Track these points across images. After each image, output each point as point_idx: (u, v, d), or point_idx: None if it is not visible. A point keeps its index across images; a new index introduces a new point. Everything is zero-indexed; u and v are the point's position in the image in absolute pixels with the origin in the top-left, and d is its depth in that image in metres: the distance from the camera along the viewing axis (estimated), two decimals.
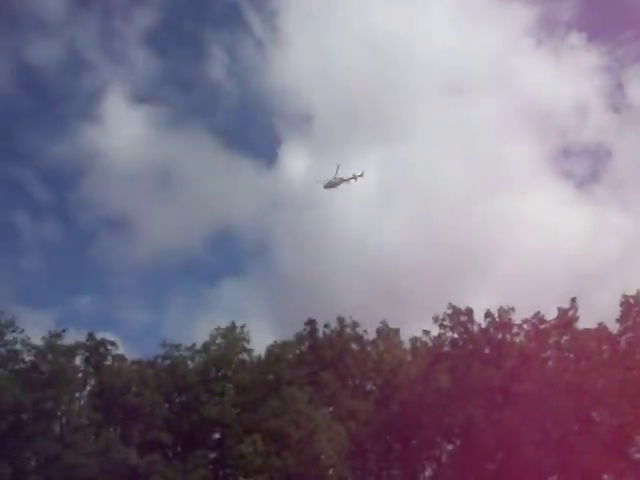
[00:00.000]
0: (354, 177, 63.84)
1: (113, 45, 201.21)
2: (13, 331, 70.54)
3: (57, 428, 69.04)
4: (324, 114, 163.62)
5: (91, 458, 64.13)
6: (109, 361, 73.53)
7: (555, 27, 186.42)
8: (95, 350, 73.17)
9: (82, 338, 73.66)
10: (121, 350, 75.01)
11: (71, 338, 73.82)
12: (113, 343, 74.36)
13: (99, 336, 74.16)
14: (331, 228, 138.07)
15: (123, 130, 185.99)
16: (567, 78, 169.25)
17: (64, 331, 72.81)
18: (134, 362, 74.88)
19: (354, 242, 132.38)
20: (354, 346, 74.98)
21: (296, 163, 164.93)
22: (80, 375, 72.07)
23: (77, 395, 71.95)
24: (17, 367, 70.17)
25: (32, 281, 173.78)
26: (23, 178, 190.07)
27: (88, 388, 72.77)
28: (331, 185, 63.89)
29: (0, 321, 70.34)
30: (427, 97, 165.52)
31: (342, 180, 63.11)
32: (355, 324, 75.19)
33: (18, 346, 70.49)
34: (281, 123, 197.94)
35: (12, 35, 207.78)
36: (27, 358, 70.50)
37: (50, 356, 69.92)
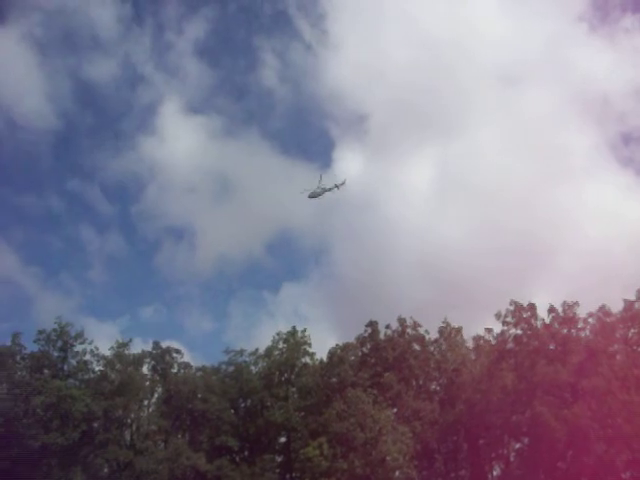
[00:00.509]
0: (336, 186, 64.62)
1: (166, 58, 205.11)
2: (82, 342, 73.09)
3: (127, 435, 70.77)
4: (378, 113, 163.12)
5: (161, 464, 65.45)
6: (175, 369, 75.08)
7: (608, 11, 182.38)
8: (161, 358, 74.75)
9: (148, 347, 75.59)
10: (186, 357, 76.80)
11: (137, 347, 75.87)
12: (178, 351, 76.01)
13: (164, 344, 75.94)
14: (389, 228, 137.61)
15: (180, 141, 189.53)
16: (623, 62, 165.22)
17: (131, 341, 74.92)
18: (199, 369, 76.28)
19: (413, 241, 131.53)
20: (416, 346, 74.49)
21: (351, 164, 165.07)
22: (148, 383, 73.66)
23: (145, 403, 73.57)
24: (87, 377, 72.43)
25: (98, 293, 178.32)
26: (87, 193, 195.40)
27: (156, 395, 74.41)
28: (314, 195, 64.57)
29: (70, 333, 72.84)
30: (482, 90, 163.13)
31: (325, 190, 63.94)
32: (416, 324, 74.72)
33: (88, 357, 73.01)
34: (335, 125, 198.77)
35: (70, 55, 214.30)
36: (97, 368, 72.98)
37: (118, 365, 71.77)
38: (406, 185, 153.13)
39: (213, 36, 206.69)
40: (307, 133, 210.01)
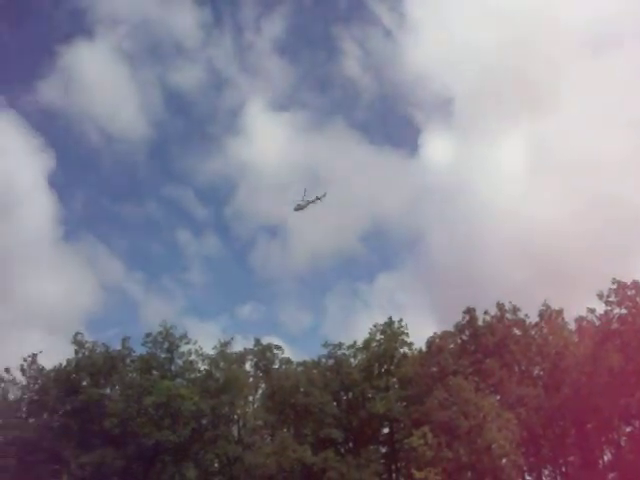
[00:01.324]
0: (318, 198, 67.07)
1: (248, 58, 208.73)
2: (187, 343, 76.45)
3: (235, 431, 73.17)
4: (463, 95, 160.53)
5: (269, 458, 66.96)
6: (276, 365, 76.84)
7: None
8: (262, 355, 76.59)
9: (249, 344, 77.62)
10: (286, 353, 78.16)
11: (239, 345, 78.08)
12: (279, 347, 77.74)
13: (264, 341, 77.69)
14: (482, 212, 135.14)
15: (267, 139, 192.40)
16: None
17: (232, 339, 77.31)
18: (300, 364, 77.60)
19: (507, 223, 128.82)
20: (516, 331, 73.03)
21: (438, 149, 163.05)
22: (251, 380, 75.75)
23: (250, 399, 75.78)
24: (193, 376, 75.43)
25: (198, 294, 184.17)
26: (182, 197, 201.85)
27: (260, 391, 76.50)
28: (299, 208, 66.98)
29: (174, 335, 76.03)
30: (570, 61, 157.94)
31: (308, 202, 66.16)
32: (515, 308, 73.21)
33: (193, 357, 76.24)
34: (419, 110, 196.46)
35: (157, 64, 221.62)
36: (202, 367, 75.98)
37: (222, 364, 74.16)
38: (497, 166, 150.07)
39: (291, 32, 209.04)
40: (392, 120, 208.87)
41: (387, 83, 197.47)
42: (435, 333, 72.96)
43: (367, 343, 75.07)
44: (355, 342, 75.85)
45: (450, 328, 73.67)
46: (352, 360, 75.46)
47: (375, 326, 75.44)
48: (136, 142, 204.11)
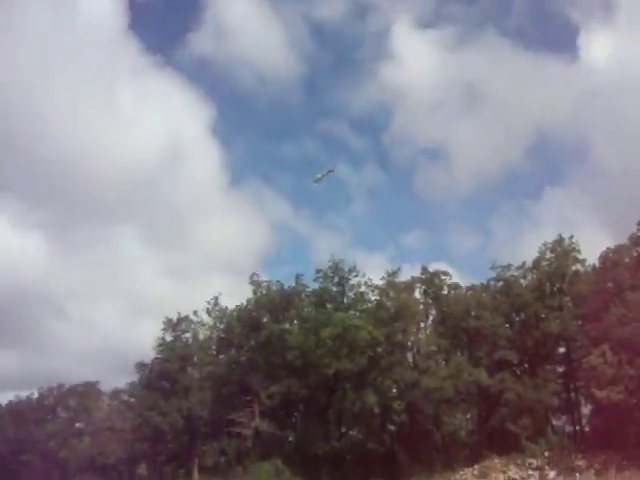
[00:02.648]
0: (330, 171, 69.00)
1: None
2: (356, 276, 78.44)
3: (410, 357, 74.82)
4: None
5: (445, 381, 68.30)
6: (445, 290, 77.06)
7: None
8: (431, 282, 77.13)
9: (416, 272, 78.30)
10: (454, 278, 78.20)
11: (406, 273, 79.28)
12: (446, 273, 77.88)
13: (432, 268, 78.06)
14: None
15: (418, 60, 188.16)
16: None
17: (399, 269, 78.41)
18: (469, 288, 77.59)
19: None
20: None
21: (599, 49, 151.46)
22: (421, 307, 76.57)
23: (422, 325, 76.80)
24: (365, 307, 77.41)
25: (363, 226, 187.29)
26: (338, 131, 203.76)
27: (430, 318, 77.37)
28: (317, 180, 67.92)
29: (344, 268, 78.04)
30: None
31: (324, 174, 67.57)
32: None
33: (363, 288, 78.19)
34: (576, 10, 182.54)
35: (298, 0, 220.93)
36: (372, 298, 77.59)
37: (392, 293, 75.56)
38: None
39: None
40: (547, 23, 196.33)
41: None
42: (608, 248, 69.69)
43: (537, 262, 73.30)
44: (524, 262, 74.38)
45: (625, 241, 70.13)
46: (522, 281, 74.20)
47: (544, 244, 73.38)
48: (289, 81, 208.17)
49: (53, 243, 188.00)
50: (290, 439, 79.79)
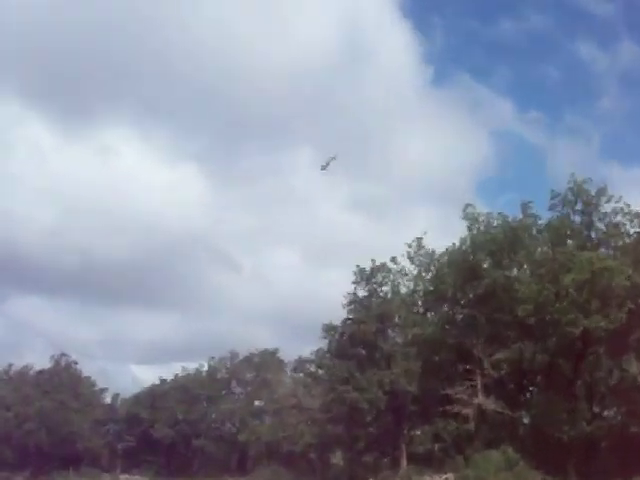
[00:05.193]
0: (333, 158, 66.89)
1: None
2: (608, 201, 61.42)
3: None
4: None
5: None
6: None
7: None
8: None
9: None
10: None
11: None
12: None
13: None
14: None
15: None
16: None
17: None
18: None
19: None
20: None
21: None
22: None
23: None
24: (621, 243, 61.57)
25: (617, 129, 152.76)
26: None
27: None
28: (324, 168, 67.07)
29: (589, 191, 61.23)
30: None
31: (329, 161, 66.36)
32: None
33: (618, 217, 61.47)
34: None
35: None
36: (632, 231, 60.90)
37: None
38: None
39: None
40: None
41: None
42: None
43: None
44: None
45: None
46: None
47: None
48: None
49: (213, 178, 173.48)
50: (524, 421, 66.37)
